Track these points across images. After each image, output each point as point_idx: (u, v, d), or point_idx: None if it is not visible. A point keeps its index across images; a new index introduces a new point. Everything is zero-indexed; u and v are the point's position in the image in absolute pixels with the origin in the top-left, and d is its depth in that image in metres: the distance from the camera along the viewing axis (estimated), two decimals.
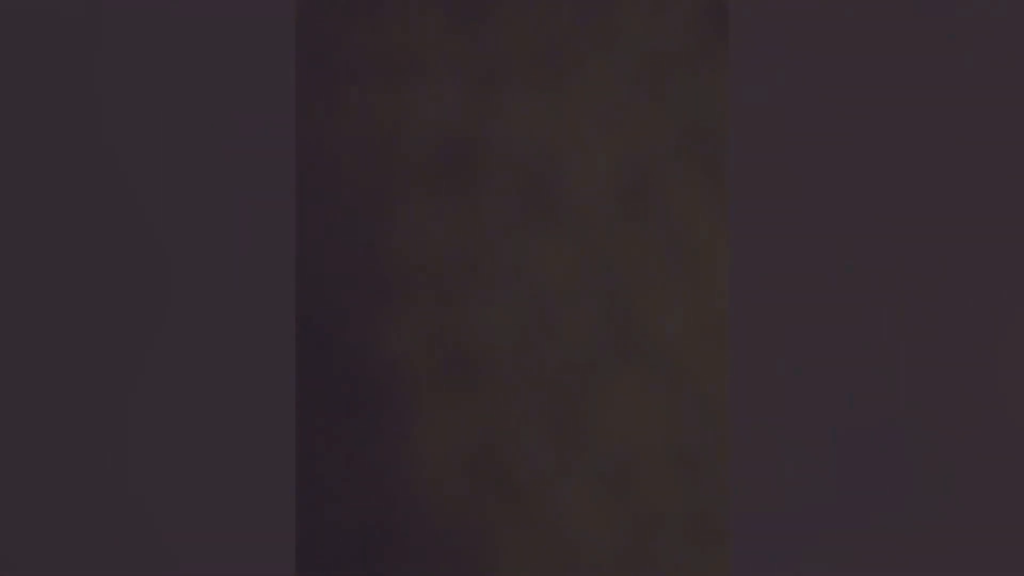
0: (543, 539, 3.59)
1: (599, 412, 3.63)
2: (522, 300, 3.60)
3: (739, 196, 3.09)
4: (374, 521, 3.47)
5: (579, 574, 3.61)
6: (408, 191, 3.52)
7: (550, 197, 3.62)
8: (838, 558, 3.04)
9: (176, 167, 2.92)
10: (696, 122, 3.73)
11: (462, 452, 3.54)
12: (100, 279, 2.90)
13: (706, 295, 3.72)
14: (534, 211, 3.61)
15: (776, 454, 3.06)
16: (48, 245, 2.89)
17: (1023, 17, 3.02)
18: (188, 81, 2.93)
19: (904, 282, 3.05)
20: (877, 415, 3.05)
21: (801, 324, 3.06)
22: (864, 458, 3.04)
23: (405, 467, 3.49)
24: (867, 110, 3.07)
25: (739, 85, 3.09)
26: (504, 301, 3.58)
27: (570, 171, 3.63)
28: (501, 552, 3.56)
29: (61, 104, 2.89)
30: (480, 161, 3.57)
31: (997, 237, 3.04)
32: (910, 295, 3.05)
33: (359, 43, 3.49)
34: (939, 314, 3.04)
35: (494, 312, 3.57)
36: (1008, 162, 3.04)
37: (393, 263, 3.50)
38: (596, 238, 3.64)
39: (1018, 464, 3.01)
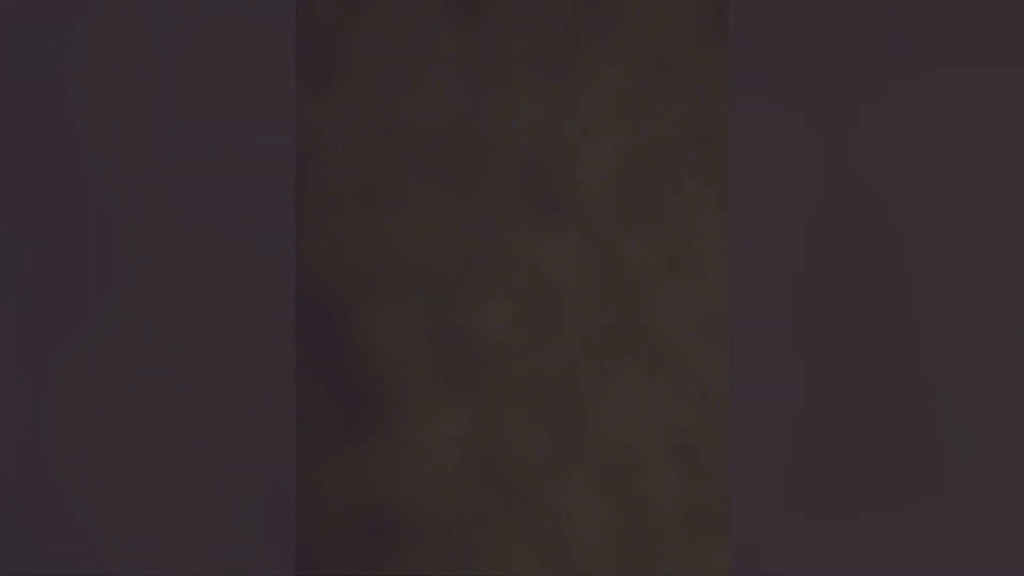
0: (544, 535, 3.58)
1: (600, 408, 3.63)
2: (523, 295, 3.59)
3: (740, 192, 3.09)
4: (374, 521, 3.47)
5: (580, 570, 3.60)
6: (410, 185, 3.51)
7: (552, 192, 3.62)
8: (837, 552, 3.04)
9: (175, 162, 2.92)
10: (699, 117, 3.73)
11: (463, 448, 3.54)
12: (100, 277, 2.89)
13: (708, 290, 3.71)
14: (536, 206, 3.61)
15: (776, 449, 3.06)
16: (48, 243, 2.89)
17: None
18: (187, 77, 2.93)
19: (905, 279, 3.05)
20: (877, 411, 3.05)
21: (801, 320, 3.06)
22: (863, 454, 3.04)
23: (406, 464, 3.49)
24: (867, 108, 3.07)
25: (741, 80, 3.09)
26: (505, 296, 3.57)
27: (572, 166, 3.63)
28: (502, 549, 3.56)
29: (60, 102, 2.89)
30: (481, 156, 3.57)
31: (1000, 233, 3.04)
32: (911, 292, 3.05)
33: (360, 35, 3.49)
34: (940, 311, 3.04)
35: (495, 308, 3.56)
36: (1010, 160, 3.04)
37: (394, 258, 3.50)
38: (598, 233, 3.64)
39: (1018, 463, 3.01)
